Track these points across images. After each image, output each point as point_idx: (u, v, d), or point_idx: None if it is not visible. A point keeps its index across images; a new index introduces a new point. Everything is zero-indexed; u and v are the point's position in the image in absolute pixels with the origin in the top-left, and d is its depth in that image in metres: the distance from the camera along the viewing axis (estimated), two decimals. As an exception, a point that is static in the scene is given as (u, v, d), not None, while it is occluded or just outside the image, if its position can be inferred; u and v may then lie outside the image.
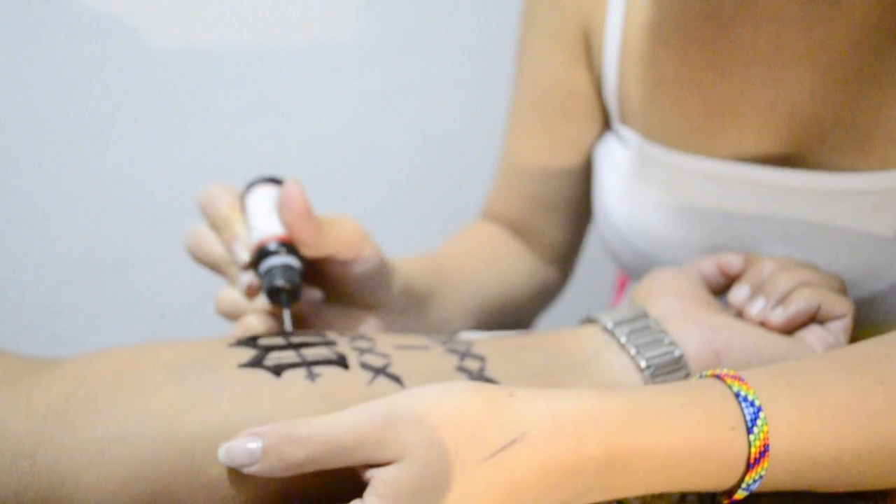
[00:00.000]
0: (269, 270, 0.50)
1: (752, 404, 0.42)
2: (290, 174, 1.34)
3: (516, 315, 0.77)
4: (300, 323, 0.55)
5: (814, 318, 0.53)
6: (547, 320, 0.89)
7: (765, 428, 0.42)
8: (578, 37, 0.73)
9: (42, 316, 1.41)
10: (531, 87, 0.77)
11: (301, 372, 0.45)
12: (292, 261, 0.51)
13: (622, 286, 1.12)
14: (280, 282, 0.50)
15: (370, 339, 0.49)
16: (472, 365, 0.48)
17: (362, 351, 0.48)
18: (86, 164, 1.35)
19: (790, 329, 0.52)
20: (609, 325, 0.52)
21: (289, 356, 0.46)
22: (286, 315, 0.51)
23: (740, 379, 0.44)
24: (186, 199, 1.37)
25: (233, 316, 0.54)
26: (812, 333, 0.52)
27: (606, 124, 0.76)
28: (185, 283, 1.40)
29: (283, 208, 0.51)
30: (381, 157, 1.43)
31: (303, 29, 1.34)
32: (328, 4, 1.35)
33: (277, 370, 0.45)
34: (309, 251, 0.52)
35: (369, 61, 1.37)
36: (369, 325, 0.57)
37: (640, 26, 0.68)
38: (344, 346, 0.48)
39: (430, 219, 1.46)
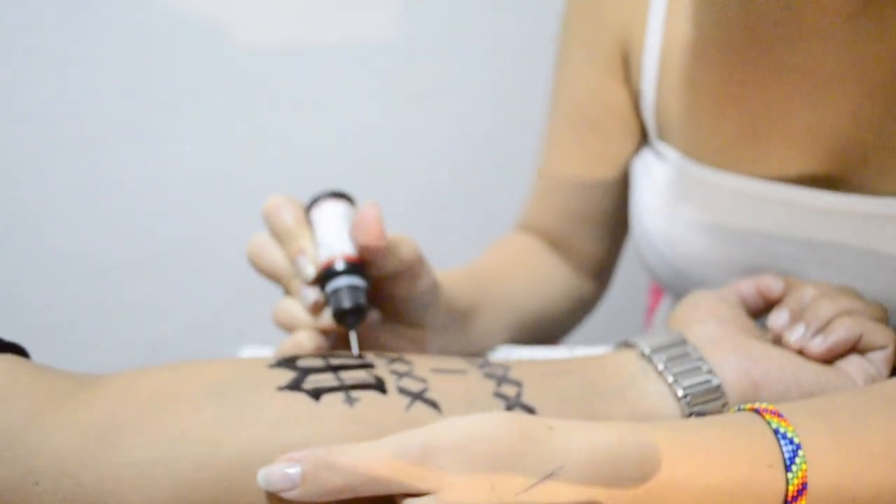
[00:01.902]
0: (337, 291, 0.51)
1: (790, 441, 0.42)
2: (328, 172, 1.36)
3: (552, 328, 0.77)
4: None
5: (854, 347, 0.52)
6: (580, 325, 0.89)
7: (803, 466, 0.42)
8: (616, 52, 0.73)
9: (73, 312, 1.43)
10: (567, 100, 0.77)
11: (339, 396, 0.45)
12: (359, 281, 0.51)
13: (656, 291, 1.12)
14: (348, 303, 0.50)
15: (408, 363, 0.50)
16: (509, 391, 0.49)
17: (400, 375, 0.48)
18: (123, 161, 1.36)
19: (830, 358, 0.52)
20: (646, 350, 0.52)
21: (327, 379, 0.46)
22: (353, 337, 0.51)
23: (779, 415, 0.43)
24: (219, 198, 1.39)
25: (289, 328, 0.54)
26: (852, 364, 0.52)
27: (644, 139, 0.76)
28: (216, 280, 1.42)
29: (358, 230, 0.51)
30: (418, 156, 1.43)
31: (343, 28, 1.34)
32: (369, 4, 1.35)
33: (316, 394, 0.45)
34: (376, 271, 0.53)
35: (409, 61, 1.38)
36: (417, 344, 0.57)
37: (680, 43, 0.68)
38: (382, 369, 0.48)
39: (466, 219, 1.46)
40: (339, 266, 0.51)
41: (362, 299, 0.51)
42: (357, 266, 0.52)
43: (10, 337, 0.45)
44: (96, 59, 1.31)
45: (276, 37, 1.34)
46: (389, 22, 1.35)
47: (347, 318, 0.51)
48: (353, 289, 0.51)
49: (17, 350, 0.46)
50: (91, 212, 1.38)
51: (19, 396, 0.42)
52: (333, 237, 0.53)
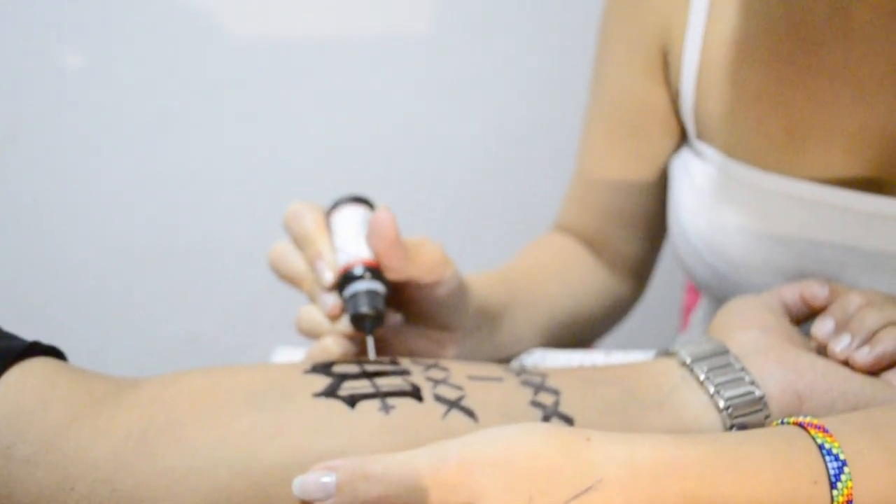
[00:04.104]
0: (354, 296, 0.50)
1: (836, 458, 0.41)
2: (364, 166, 1.35)
3: (587, 331, 0.76)
4: (378, 345, 0.55)
5: None
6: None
7: (849, 483, 0.41)
8: (656, 51, 0.72)
9: (117, 302, 1.44)
10: (606, 99, 0.76)
11: (375, 403, 0.45)
12: (377, 286, 0.51)
13: (692, 291, 1.10)
14: (365, 309, 0.50)
15: (444, 369, 0.49)
16: (547, 399, 0.48)
17: (436, 382, 0.47)
18: (159, 155, 1.37)
19: (876, 370, 0.51)
20: (687, 359, 0.51)
21: (363, 386, 0.46)
22: (370, 343, 0.51)
23: (824, 430, 0.42)
24: (260, 189, 1.40)
25: (313, 335, 0.54)
26: None
27: (683, 139, 0.74)
28: (256, 273, 1.42)
29: (373, 235, 0.50)
30: (453, 150, 1.43)
31: (378, 20, 1.34)
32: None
33: (352, 401, 0.45)
34: (394, 276, 0.52)
35: (444, 54, 1.37)
36: (445, 346, 0.57)
37: (723, 41, 0.67)
38: (418, 376, 0.48)
39: (501, 215, 1.45)
40: (357, 271, 0.51)
41: (380, 304, 0.50)
42: (375, 271, 0.51)
43: (50, 329, 0.45)
44: (143, 50, 1.32)
45: (308, 30, 1.33)
46: (423, 14, 1.35)
47: (364, 323, 0.50)
48: (370, 293, 0.50)
49: (54, 353, 0.46)
50: (129, 207, 1.39)
51: (56, 402, 0.42)
52: (352, 242, 0.52)
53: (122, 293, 1.44)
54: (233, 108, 1.36)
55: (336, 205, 0.55)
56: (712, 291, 0.74)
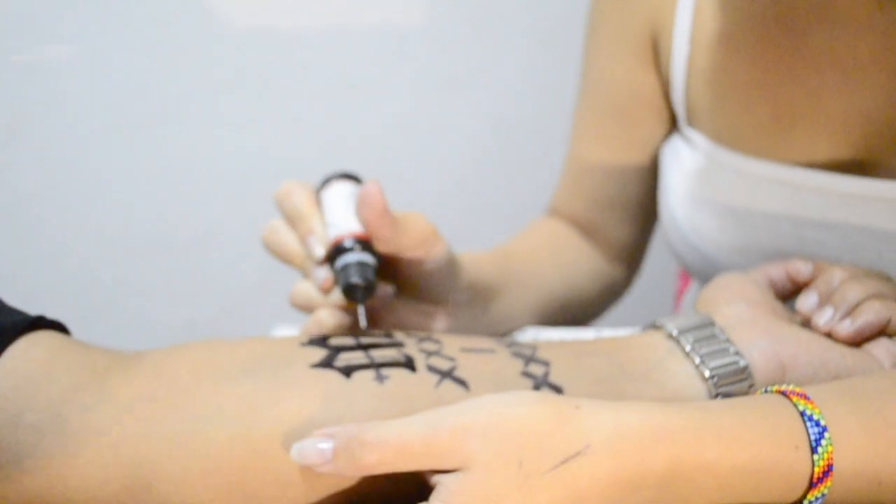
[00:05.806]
0: (345, 267, 0.52)
1: (817, 424, 0.42)
2: (359, 158, 1.36)
3: (579, 312, 0.77)
4: (371, 317, 0.56)
5: (883, 331, 0.52)
6: (609, 309, 0.89)
7: (829, 448, 0.42)
8: (646, 39, 0.73)
9: (117, 292, 1.45)
10: (597, 87, 0.77)
11: (370, 373, 0.46)
12: (367, 258, 0.52)
13: (685, 276, 1.12)
14: (356, 279, 0.51)
15: (437, 341, 0.50)
16: (537, 370, 0.49)
17: (429, 353, 0.49)
18: (159, 147, 1.38)
19: (858, 341, 0.52)
20: (674, 332, 0.52)
21: (358, 357, 0.47)
22: (361, 311, 0.52)
23: (806, 397, 0.44)
24: (256, 180, 1.40)
25: (307, 309, 0.56)
26: (880, 347, 0.52)
27: (673, 126, 0.76)
28: (254, 262, 1.43)
29: (362, 207, 0.52)
30: (449, 142, 1.43)
31: (373, 12, 1.35)
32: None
33: (347, 371, 0.46)
34: (383, 248, 0.53)
35: (439, 46, 1.37)
36: (436, 320, 0.58)
37: (710, 29, 0.68)
38: (411, 347, 0.49)
39: (497, 205, 1.46)
40: (347, 243, 0.52)
41: (370, 274, 0.52)
42: (365, 243, 0.53)
43: (51, 315, 0.47)
44: (140, 44, 1.32)
45: (303, 22, 1.34)
46: (419, 7, 1.35)
47: (356, 292, 0.52)
48: (361, 265, 0.52)
49: (59, 328, 0.47)
50: (130, 196, 1.40)
51: (61, 372, 0.43)
52: (341, 216, 0.54)
53: (121, 283, 1.45)
54: (228, 100, 1.37)
55: (326, 182, 0.57)
56: (701, 275, 0.75)
